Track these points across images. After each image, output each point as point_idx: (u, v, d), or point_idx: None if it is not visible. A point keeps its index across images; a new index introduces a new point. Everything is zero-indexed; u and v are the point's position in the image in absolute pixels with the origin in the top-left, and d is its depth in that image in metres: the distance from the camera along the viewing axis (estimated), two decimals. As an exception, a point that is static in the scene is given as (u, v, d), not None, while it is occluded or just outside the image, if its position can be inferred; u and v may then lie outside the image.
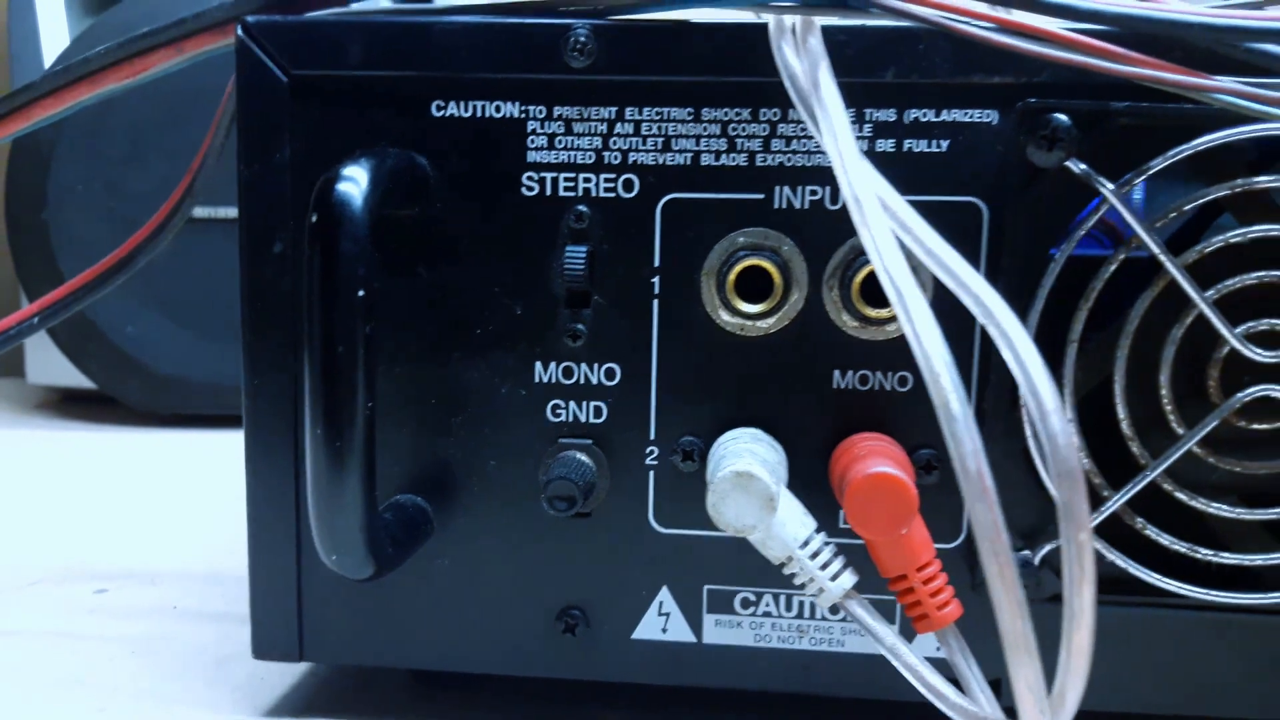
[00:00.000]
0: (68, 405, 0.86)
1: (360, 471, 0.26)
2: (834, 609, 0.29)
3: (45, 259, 0.74)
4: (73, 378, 0.79)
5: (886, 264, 0.22)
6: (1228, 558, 0.29)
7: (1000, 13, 0.24)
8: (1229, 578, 0.30)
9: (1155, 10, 0.24)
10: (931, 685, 0.25)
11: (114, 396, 0.78)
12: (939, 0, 0.25)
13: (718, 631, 0.31)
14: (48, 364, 0.80)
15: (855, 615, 0.27)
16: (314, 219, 0.25)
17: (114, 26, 0.72)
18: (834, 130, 0.24)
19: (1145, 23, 0.24)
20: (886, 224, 0.22)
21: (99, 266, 0.37)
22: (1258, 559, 0.29)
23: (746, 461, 0.27)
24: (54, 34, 0.78)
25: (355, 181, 0.26)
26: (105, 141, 0.73)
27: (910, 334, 0.21)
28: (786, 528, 0.27)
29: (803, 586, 0.27)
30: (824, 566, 0.27)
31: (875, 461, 0.27)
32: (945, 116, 0.28)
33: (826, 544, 0.27)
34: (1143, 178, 0.28)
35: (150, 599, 0.44)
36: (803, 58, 0.26)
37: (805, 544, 0.27)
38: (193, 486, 0.62)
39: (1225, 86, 0.24)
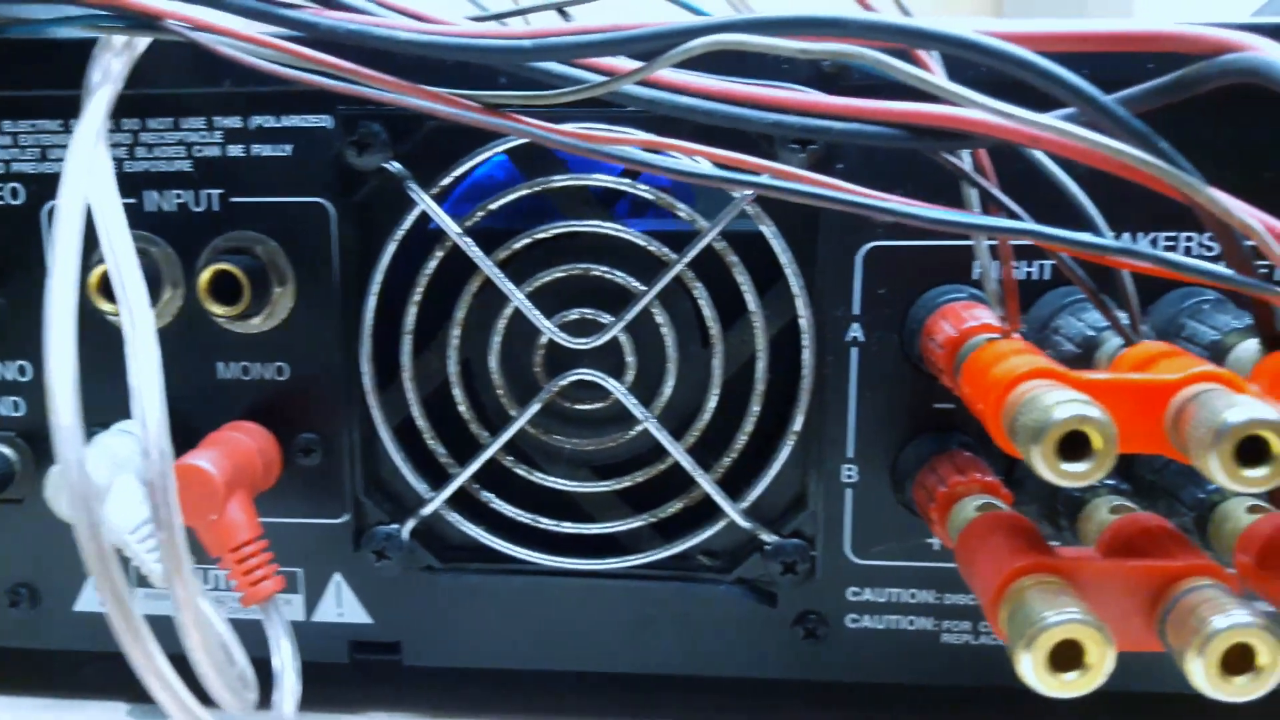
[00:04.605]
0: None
1: None
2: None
3: None
4: None
5: (58, 279, 0.24)
6: (568, 527, 0.31)
7: (243, 29, 0.26)
8: (605, 546, 0.32)
9: (375, 28, 0.25)
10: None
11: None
12: (190, 16, 0.26)
13: (147, 605, 0.34)
14: None
15: (173, 594, 0.29)
16: None
17: None
18: (76, 143, 0.26)
19: (365, 38, 0.25)
20: (77, 238, 0.24)
21: None
22: (593, 527, 0.31)
23: (78, 454, 0.29)
24: None
25: None
26: None
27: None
28: (117, 517, 0.29)
29: (138, 568, 0.29)
30: (151, 550, 0.29)
31: (194, 453, 0.29)
32: (286, 122, 0.30)
33: (164, 528, 0.29)
34: (450, 178, 0.29)
35: None
36: (109, 74, 0.28)
37: (135, 531, 0.29)
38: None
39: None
